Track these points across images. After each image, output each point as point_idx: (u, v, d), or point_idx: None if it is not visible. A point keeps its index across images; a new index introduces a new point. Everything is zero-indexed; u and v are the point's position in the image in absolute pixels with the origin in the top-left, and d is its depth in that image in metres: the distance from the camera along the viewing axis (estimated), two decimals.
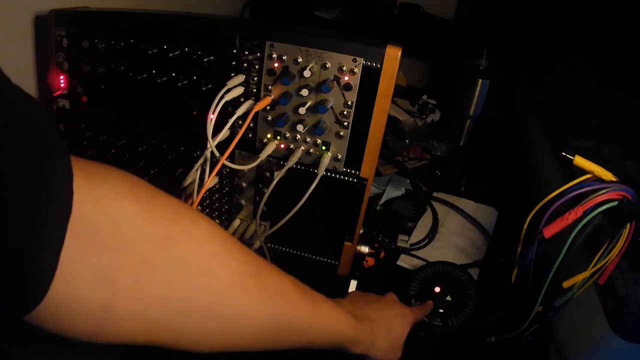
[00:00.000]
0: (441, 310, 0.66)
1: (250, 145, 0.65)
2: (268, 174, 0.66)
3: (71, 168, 0.27)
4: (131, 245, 0.29)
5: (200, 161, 0.60)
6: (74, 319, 0.29)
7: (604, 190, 0.48)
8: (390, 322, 0.54)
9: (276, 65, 0.59)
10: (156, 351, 0.33)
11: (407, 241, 0.82)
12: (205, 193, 0.67)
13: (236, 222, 0.72)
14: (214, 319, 0.34)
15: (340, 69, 0.57)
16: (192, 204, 0.61)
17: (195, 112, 0.66)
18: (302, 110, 0.58)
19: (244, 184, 0.70)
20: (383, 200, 0.92)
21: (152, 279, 0.30)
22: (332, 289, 0.61)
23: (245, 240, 0.70)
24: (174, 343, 0.34)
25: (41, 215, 0.25)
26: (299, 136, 0.62)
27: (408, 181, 0.98)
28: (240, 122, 0.63)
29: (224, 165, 0.58)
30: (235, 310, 0.35)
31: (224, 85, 0.59)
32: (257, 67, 0.60)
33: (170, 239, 0.32)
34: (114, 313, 0.29)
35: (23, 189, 0.25)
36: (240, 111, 0.60)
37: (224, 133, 0.60)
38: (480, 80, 1.10)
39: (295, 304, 0.41)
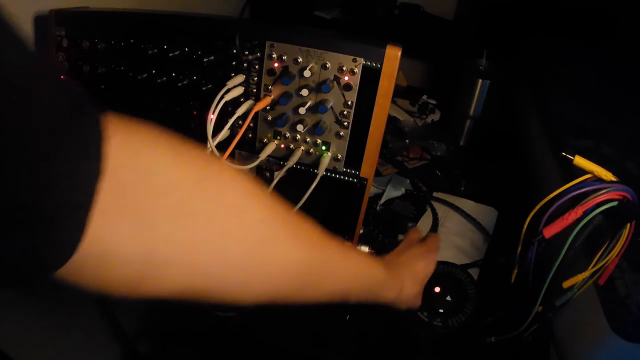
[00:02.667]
0: (441, 310, 0.66)
1: (250, 145, 0.65)
2: (268, 174, 0.66)
3: (101, 109, 0.26)
4: (169, 187, 0.29)
5: None
6: (114, 270, 0.27)
7: (604, 190, 0.48)
8: (414, 264, 0.55)
9: (276, 65, 0.59)
10: (156, 352, 0.33)
11: None
12: None
13: None
14: (253, 261, 0.34)
15: (340, 69, 0.57)
16: None
17: (195, 112, 0.66)
18: (302, 110, 0.58)
19: None
20: (383, 200, 0.92)
21: (190, 221, 0.30)
22: None
23: None
24: (215, 291, 0.33)
25: (69, 152, 0.23)
26: (299, 136, 0.62)
27: (408, 181, 0.98)
28: (240, 122, 0.63)
29: None
30: (273, 251, 0.35)
31: (224, 85, 0.59)
32: (257, 67, 0.60)
33: (205, 180, 0.31)
34: (154, 259, 0.28)
35: (50, 125, 0.23)
36: (240, 111, 0.60)
37: (224, 133, 0.60)
38: (480, 80, 1.10)
39: (326, 246, 0.41)
